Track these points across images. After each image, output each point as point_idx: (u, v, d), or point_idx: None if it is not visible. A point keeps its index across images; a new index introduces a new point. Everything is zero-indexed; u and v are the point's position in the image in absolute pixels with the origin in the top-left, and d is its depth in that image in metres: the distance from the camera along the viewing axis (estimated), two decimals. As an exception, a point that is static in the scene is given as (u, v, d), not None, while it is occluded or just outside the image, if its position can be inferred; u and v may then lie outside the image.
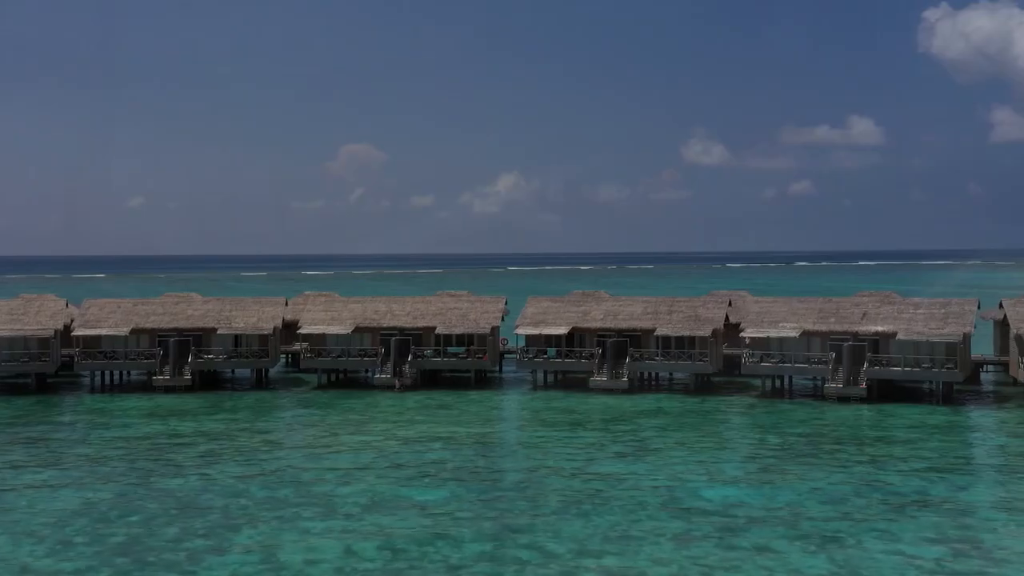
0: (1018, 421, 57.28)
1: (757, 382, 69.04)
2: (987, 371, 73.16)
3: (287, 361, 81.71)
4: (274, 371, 78.36)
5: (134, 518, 37.69)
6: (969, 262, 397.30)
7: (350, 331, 72.82)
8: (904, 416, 57.98)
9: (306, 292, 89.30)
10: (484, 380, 74.50)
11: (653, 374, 72.58)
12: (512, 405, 65.27)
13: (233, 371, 76.89)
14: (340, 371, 75.44)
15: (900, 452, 48.46)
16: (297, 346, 76.58)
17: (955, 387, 66.55)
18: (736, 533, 35.31)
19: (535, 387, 71.38)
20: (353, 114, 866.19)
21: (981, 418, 58.10)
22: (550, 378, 73.51)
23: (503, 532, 35.66)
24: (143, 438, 53.72)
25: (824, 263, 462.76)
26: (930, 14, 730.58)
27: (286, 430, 56.20)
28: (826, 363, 65.20)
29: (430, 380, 73.34)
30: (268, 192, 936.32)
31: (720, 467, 45.91)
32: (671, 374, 72.71)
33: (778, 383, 68.68)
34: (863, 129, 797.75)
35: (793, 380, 68.26)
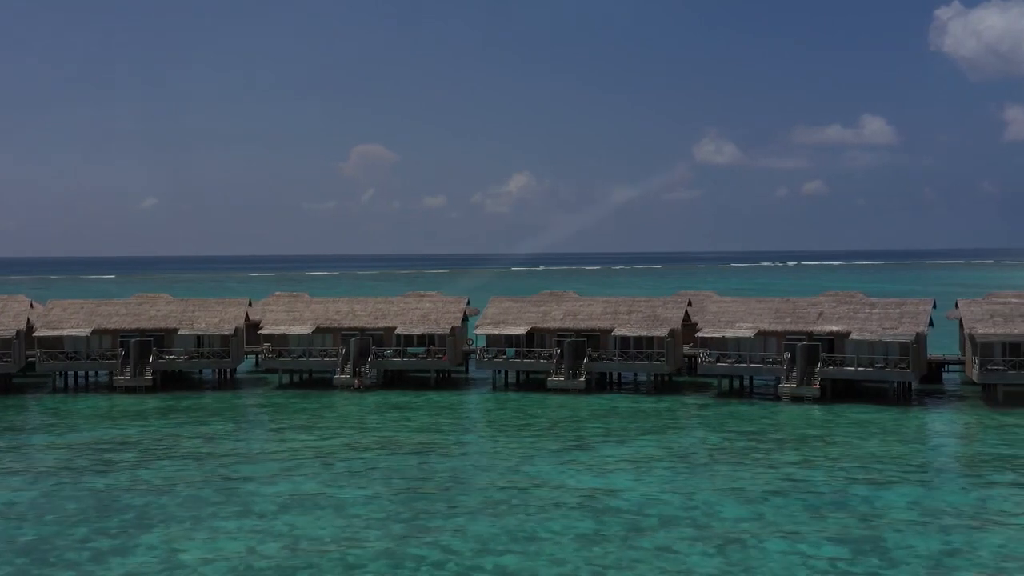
0: (964, 422, 57.17)
1: (722, 383, 69.02)
2: (948, 371, 72.97)
3: (257, 361, 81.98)
4: (243, 371, 78.70)
5: (49, 517, 37.96)
6: (987, 261, 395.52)
7: (311, 331, 73.07)
8: (851, 416, 57.84)
9: (277, 292, 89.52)
10: (446, 381, 74.63)
11: (617, 374, 72.59)
12: (465, 406, 65.33)
13: (200, 371, 77.25)
14: (304, 371, 75.65)
15: (835, 452, 48.38)
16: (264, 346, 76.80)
17: (913, 387, 66.65)
18: (643, 533, 35.37)
19: (495, 387, 71.45)
20: (364, 115, 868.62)
21: (928, 419, 57.90)
22: (512, 378, 73.58)
23: (411, 532, 35.78)
24: (87, 438, 54.04)
25: (838, 262, 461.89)
26: (942, 12, 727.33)
27: (231, 430, 56.35)
28: (781, 363, 65.17)
29: (394, 380, 73.62)
30: (280, 193, 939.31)
31: (651, 467, 45.90)
32: (636, 374, 72.78)
33: (737, 383, 68.80)
34: (875, 128, 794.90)
35: (754, 380, 68.35)
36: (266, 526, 36.63)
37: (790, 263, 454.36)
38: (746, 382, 68.61)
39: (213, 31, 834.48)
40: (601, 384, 70.67)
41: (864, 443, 50.47)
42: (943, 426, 56.12)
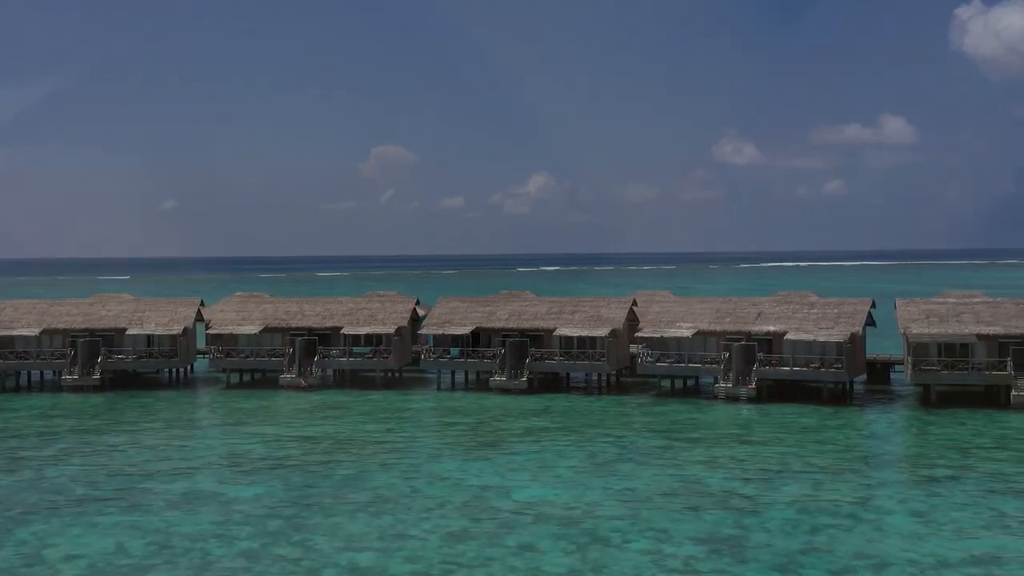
0: (889, 423, 57.02)
1: (666, 383, 69.08)
2: (896, 371, 72.64)
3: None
4: (201, 371, 79.04)
5: (-64, 514, 38.47)
6: (1010, 261, 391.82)
7: (258, 331, 73.53)
8: (779, 416, 57.79)
9: (238, 292, 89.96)
10: (395, 381, 74.75)
11: (567, 374, 72.51)
12: (401, 406, 65.35)
13: (159, 371, 77.45)
14: (254, 371, 76.05)
15: (744, 452, 48.37)
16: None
17: (854, 388, 66.56)
18: (511, 532, 35.52)
19: (439, 388, 71.69)
20: (384, 116, 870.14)
21: (854, 419, 57.66)
22: (461, 378, 73.77)
23: (284, 529, 36.07)
24: (12, 436, 54.61)
25: (858, 262, 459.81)
26: (961, 11, 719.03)
27: (159, 429, 56.82)
28: (719, 363, 65.17)
29: (344, 380, 74.10)
30: (299, 194, 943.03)
31: (554, 466, 46.02)
32: (587, 375, 72.69)
33: (680, 383, 68.80)
34: (895, 128, 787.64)
35: (699, 380, 68.40)
36: (143, 523, 36.97)
37: (801, 263, 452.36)
38: (691, 382, 68.63)
39: (231, 31, 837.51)
40: (548, 384, 70.73)
41: (779, 443, 50.47)
42: (865, 427, 55.88)
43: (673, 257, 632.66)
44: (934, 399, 61.68)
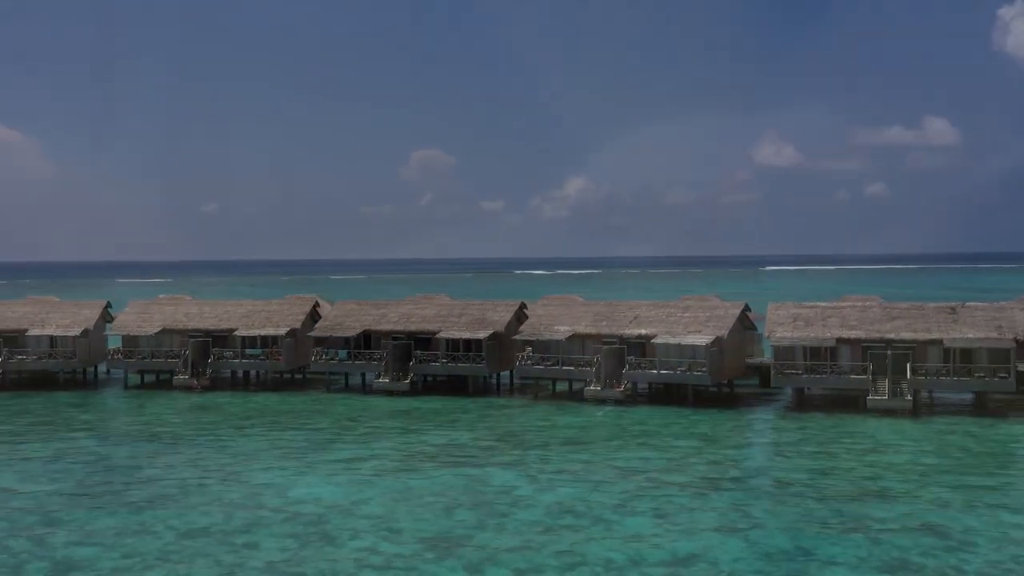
0: (734, 426, 56.71)
1: (562, 385, 69.31)
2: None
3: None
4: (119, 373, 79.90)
5: None
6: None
7: (155, 333, 74.67)
8: (632, 419, 57.89)
9: (160, 296, 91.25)
10: (286, 383, 75.30)
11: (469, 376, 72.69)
12: (271, 407, 65.50)
13: (76, 372, 78.44)
14: (158, 372, 77.09)
15: (559, 455, 48.52)
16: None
17: (735, 390, 66.62)
18: (252, 528, 36.08)
19: (329, 389, 72.37)
20: (424, 120, 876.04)
21: (702, 422, 57.38)
22: (355, 380, 74.35)
23: (46, 529, 36.79)
24: None
25: (899, 266, 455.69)
26: (1004, 12, 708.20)
27: (7, 428, 58.02)
28: (591, 366, 65.35)
29: (237, 382, 75.10)
30: (340, 197, 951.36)
31: (358, 467, 46.51)
32: (489, 376, 72.88)
33: (566, 386, 69.01)
34: (938, 129, 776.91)
35: (572, 384, 68.56)
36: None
37: (827, 267, 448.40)
38: (575, 385, 68.73)
39: (273, 36, 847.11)
40: (440, 387, 71.24)
41: (602, 446, 50.61)
42: (705, 430, 55.37)
43: (710, 261, 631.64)
44: (795, 403, 61.54)
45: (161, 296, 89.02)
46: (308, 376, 77.94)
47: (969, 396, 62.01)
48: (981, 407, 59.73)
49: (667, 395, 65.59)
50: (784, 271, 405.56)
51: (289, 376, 76.53)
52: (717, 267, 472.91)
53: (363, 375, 73.54)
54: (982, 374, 58.45)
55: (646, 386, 66.81)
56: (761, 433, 54.12)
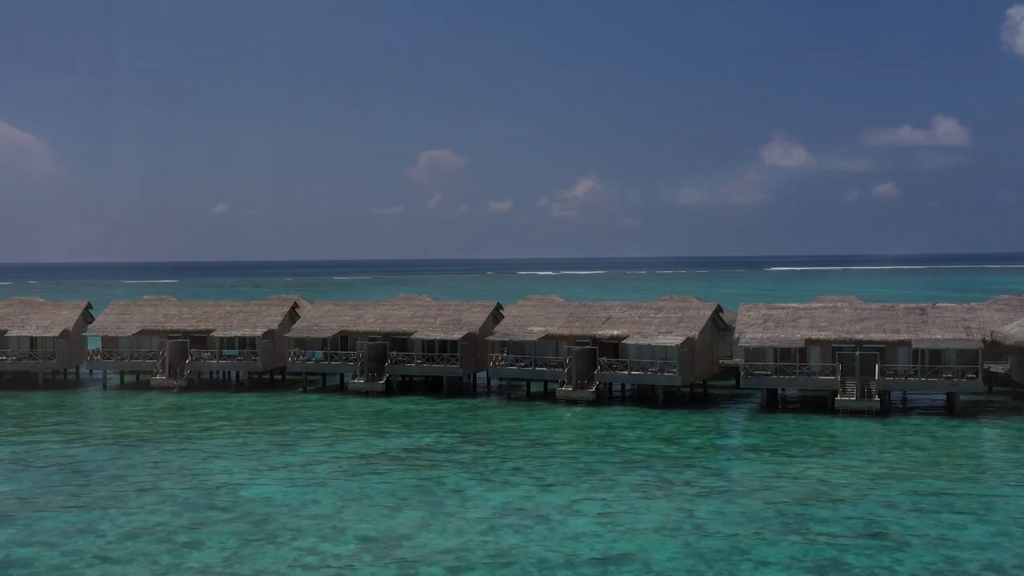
0: (700, 427, 56.69)
1: (536, 386, 69.54)
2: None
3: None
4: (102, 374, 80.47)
5: None
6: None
7: (133, 334, 75.01)
8: (596, 420, 57.98)
9: (146, 296, 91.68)
10: (264, 384, 75.61)
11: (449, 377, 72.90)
12: (247, 406, 65.77)
13: (56, 372, 79.02)
14: (138, 373, 77.49)
15: (516, 455, 48.70)
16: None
17: (709, 392, 66.75)
18: (199, 528, 36.29)
19: (305, 390, 72.58)
20: (432, 120, 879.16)
21: (666, 422, 57.32)
22: (333, 381, 74.63)
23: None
24: None
25: (908, 267, 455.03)
26: (1015, 12, 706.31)
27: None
28: (563, 367, 65.45)
29: (216, 382, 75.47)
30: (349, 198, 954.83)
31: (324, 466, 46.68)
32: (461, 377, 73.20)
33: (541, 387, 69.16)
34: (948, 129, 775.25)
35: (547, 384, 68.66)
36: None
37: (831, 268, 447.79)
38: (550, 386, 68.81)
39: (280, 36, 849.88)
40: (415, 387, 71.57)
41: (565, 445, 50.72)
42: (661, 431, 55.34)
43: (714, 261, 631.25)
44: (763, 404, 61.60)
45: (145, 297, 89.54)
46: (288, 377, 78.30)
47: (942, 397, 61.94)
48: (951, 408, 59.62)
49: (639, 397, 65.72)
50: (787, 272, 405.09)
51: (268, 377, 76.84)
52: (725, 268, 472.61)
53: (341, 376, 73.94)
54: (950, 375, 58.38)
55: (619, 387, 66.89)
56: (725, 435, 54.11)
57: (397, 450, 50.57)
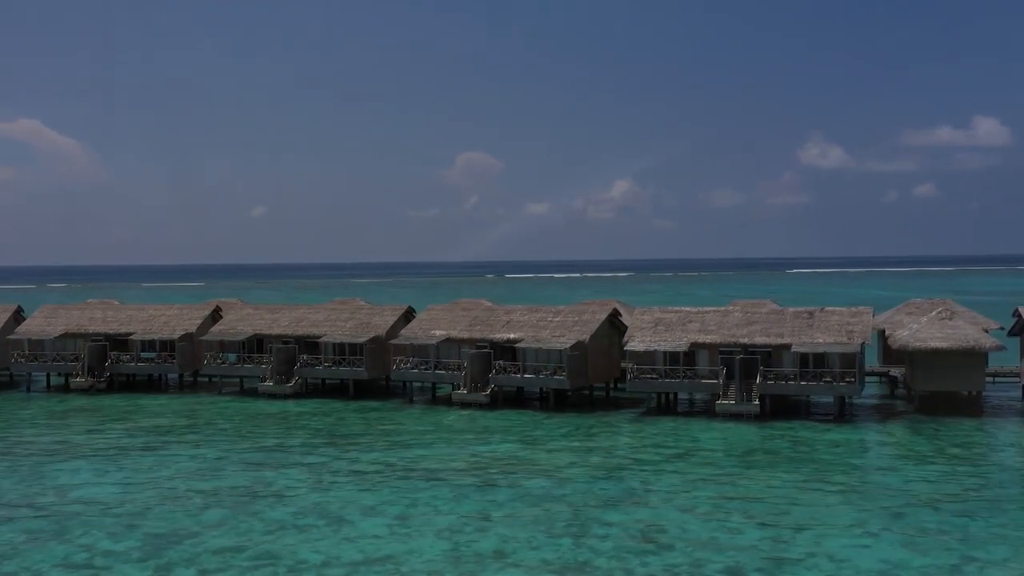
0: (572, 429, 56.85)
1: (443, 389, 70.10)
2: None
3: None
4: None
5: None
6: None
7: (56, 336, 76.34)
8: (477, 423, 58.41)
9: (90, 300, 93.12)
10: (188, 385, 76.78)
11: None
12: (153, 409, 66.64)
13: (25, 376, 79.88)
14: (67, 376, 78.68)
15: (367, 456, 49.24)
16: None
17: (610, 395, 67.04)
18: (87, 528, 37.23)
19: (220, 392, 73.47)
20: (470, 123, 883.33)
21: (542, 425, 57.62)
22: (250, 384, 75.49)
23: None
24: None
25: (950, 268, 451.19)
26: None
27: None
28: (461, 370, 65.90)
29: (136, 385, 76.65)
30: (385, 201, 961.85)
31: (169, 468, 47.43)
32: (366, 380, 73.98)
33: (446, 389, 69.64)
34: (988, 129, 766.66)
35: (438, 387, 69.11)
36: None
37: (857, 269, 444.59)
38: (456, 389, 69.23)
39: (317, 40, 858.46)
40: (312, 389, 72.31)
41: (424, 447, 51.19)
42: (532, 433, 55.52)
43: (749, 263, 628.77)
44: (655, 407, 61.82)
45: (89, 300, 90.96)
46: (212, 380, 79.24)
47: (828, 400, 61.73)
48: (840, 413, 59.40)
49: (534, 400, 65.97)
50: (805, 274, 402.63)
51: (192, 379, 77.89)
52: (751, 270, 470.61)
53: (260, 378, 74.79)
54: (830, 379, 58.24)
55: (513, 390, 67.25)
56: (591, 437, 54.13)
57: (256, 452, 51.22)
